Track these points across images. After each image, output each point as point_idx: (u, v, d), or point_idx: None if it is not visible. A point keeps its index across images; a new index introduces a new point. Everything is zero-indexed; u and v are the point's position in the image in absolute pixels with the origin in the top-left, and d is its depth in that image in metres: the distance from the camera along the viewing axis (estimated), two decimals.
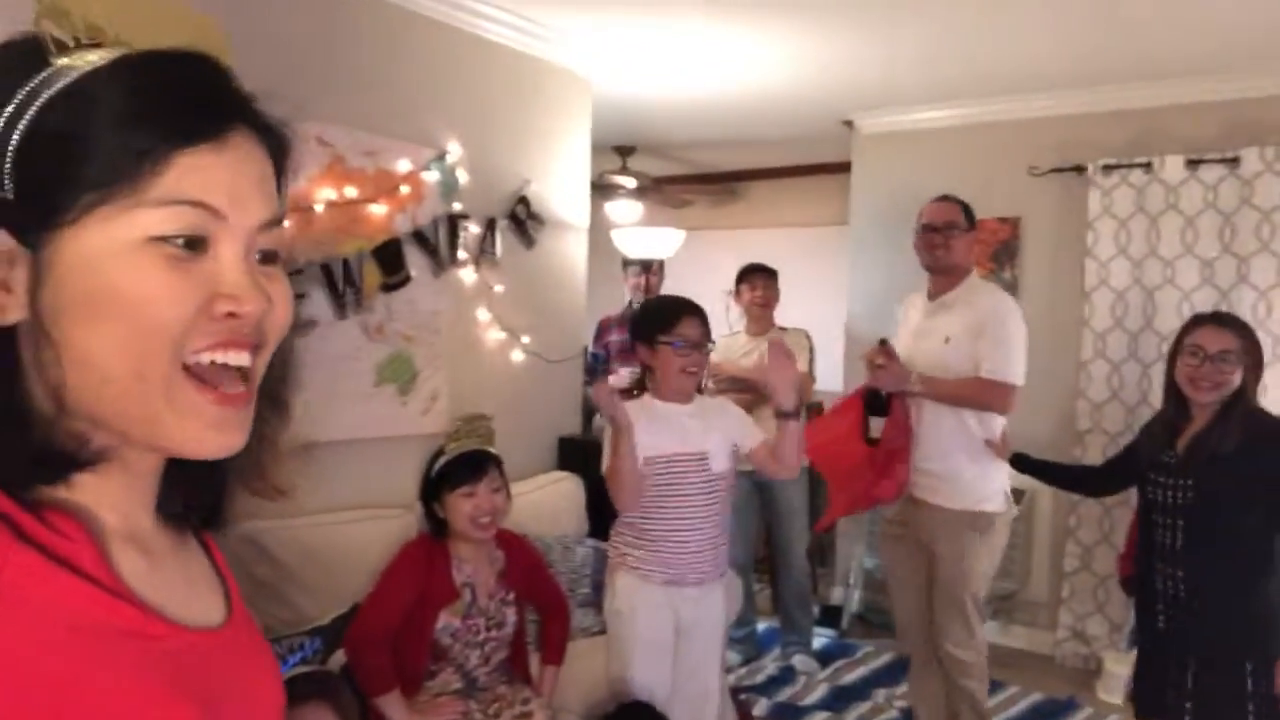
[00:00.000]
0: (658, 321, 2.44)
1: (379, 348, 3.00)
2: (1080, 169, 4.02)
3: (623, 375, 3.99)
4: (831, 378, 4.56)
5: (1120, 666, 3.54)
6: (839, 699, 3.67)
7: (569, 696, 2.58)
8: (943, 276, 2.92)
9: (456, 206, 3.19)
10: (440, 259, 3.15)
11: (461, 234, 3.21)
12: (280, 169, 0.63)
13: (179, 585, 0.62)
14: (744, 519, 3.91)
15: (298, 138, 0.65)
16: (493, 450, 2.42)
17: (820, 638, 4.16)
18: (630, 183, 5.45)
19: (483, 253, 3.30)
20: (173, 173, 0.54)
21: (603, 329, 4.45)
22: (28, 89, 0.54)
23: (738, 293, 3.97)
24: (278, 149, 0.63)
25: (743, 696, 3.48)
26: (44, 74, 0.55)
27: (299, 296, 2.84)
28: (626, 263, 4.73)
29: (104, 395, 0.55)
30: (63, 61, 0.55)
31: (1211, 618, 2.25)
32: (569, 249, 3.72)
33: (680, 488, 2.41)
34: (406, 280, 3.05)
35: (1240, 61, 3.57)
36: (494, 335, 3.37)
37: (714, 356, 3.94)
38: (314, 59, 2.80)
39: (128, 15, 0.58)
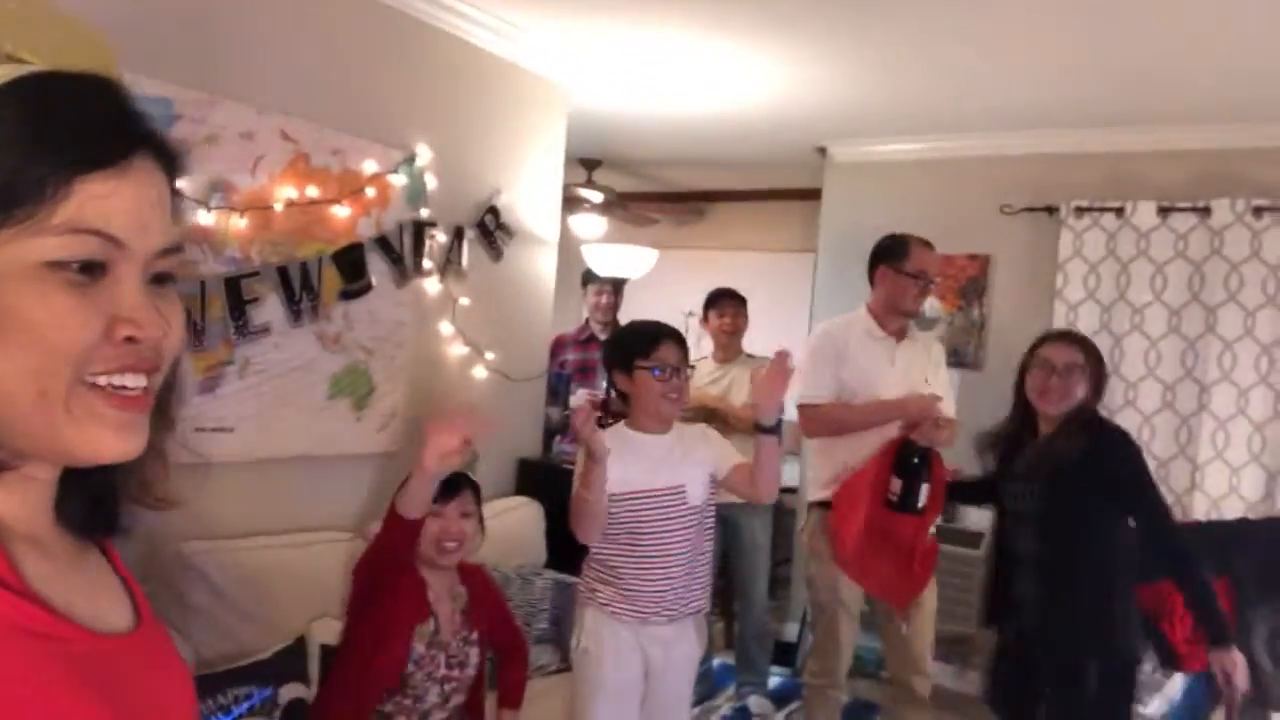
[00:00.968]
0: (635, 347, 2.32)
1: (334, 359, 2.82)
2: (1052, 209, 4.01)
3: (580, 396, 3.85)
4: (793, 408, 4.47)
5: None
6: None
7: None
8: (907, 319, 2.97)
9: (424, 213, 3.02)
10: (404, 267, 2.98)
11: (427, 242, 3.04)
12: (175, 191, 0.63)
13: (84, 591, 0.62)
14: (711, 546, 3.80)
15: (190, 159, 0.66)
16: (470, 475, 2.27)
17: (775, 676, 4.05)
18: (596, 197, 5.33)
19: (448, 263, 3.14)
20: (74, 200, 0.54)
21: (557, 347, 4.30)
22: None
23: (705, 318, 3.86)
24: (174, 170, 0.63)
25: None
26: None
27: (252, 300, 2.67)
28: (587, 280, 4.59)
29: (5, 414, 0.55)
30: None
31: (1063, 618, 2.33)
32: (537, 263, 3.58)
33: (653, 524, 2.29)
34: (368, 288, 2.88)
35: (1216, 112, 3.60)
36: (456, 350, 3.21)
37: None
38: (283, 49, 2.63)
39: (18, 31, 0.55)
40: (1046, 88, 3.52)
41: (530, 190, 3.51)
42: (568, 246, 4.87)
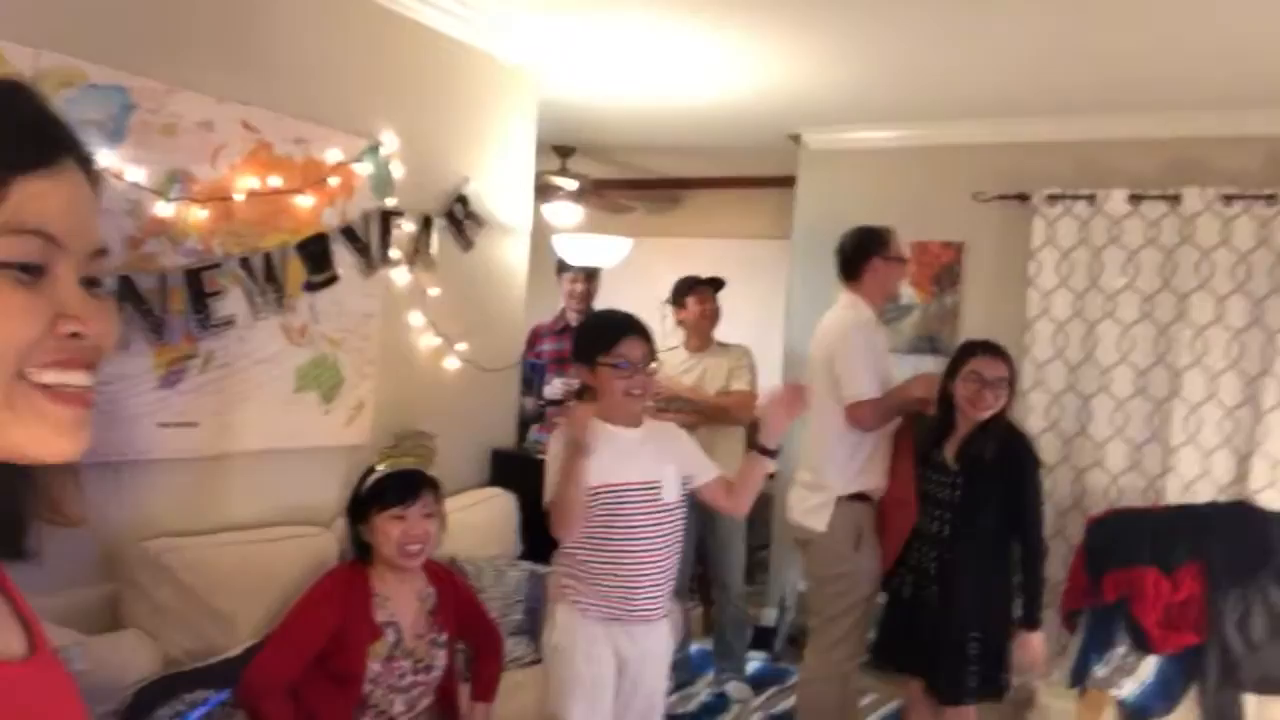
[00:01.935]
0: (597, 341, 2.28)
1: (301, 351, 2.77)
2: (1025, 197, 4.01)
3: (555, 386, 3.82)
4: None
5: (1056, 700, 3.51)
6: None
7: None
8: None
9: (390, 202, 2.97)
10: (371, 258, 2.93)
11: (394, 232, 2.99)
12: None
13: None
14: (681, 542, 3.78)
15: (100, 169, 0.64)
16: (430, 473, 2.23)
17: (753, 661, 4.05)
18: (570, 184, 5.28)
19: (417, 253, 3.09)
20: (12, 200, 0.55)
21: (535, 337, 4.26)
22: None
23: (683, 305, 3.82)
24: (93, 176, 0.62)
25: None
26: None
27: (214, 293, 2.62)
28: (561, 268, 4.55)
29: None
30: None
31: (955, 595, 2.68)
32: (509, 253, 3.54)
33: (627, 519, 2.26)
34: (334, 279, 2.83)
35: (1185, 101, 3.61)
36: (427, 341, 3.16)
37: None
38: (242, 37, 2.57)
39: None
40: (1019, 77, 3.52)
41: (500, 178, 3.47)
42: (543, 235, 4.84)
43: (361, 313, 2.92)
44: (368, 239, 2.92)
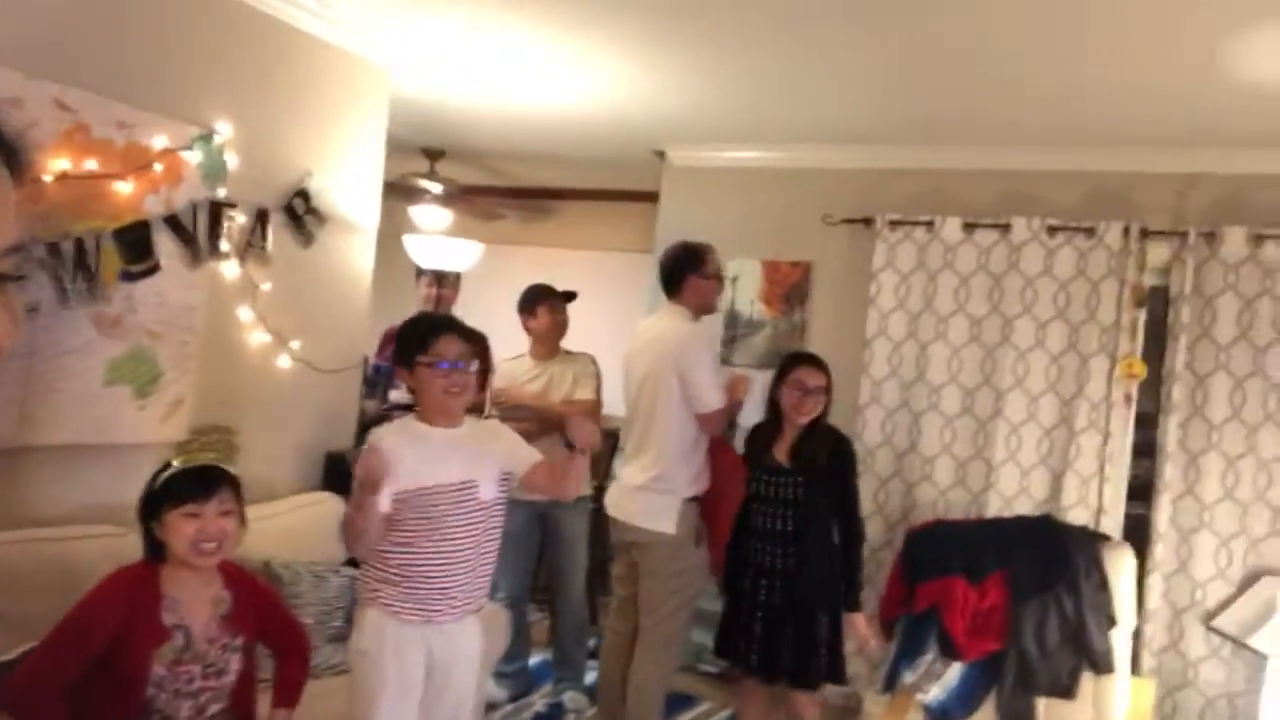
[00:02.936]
0: (414, 342, 2.29)
1: (113, 343, 2.65)
2: (869, 221, 4.18)
3: (403, 390, 3.76)
4: (619, 404, 4.50)
5: (876, 706, 3.64)
6: None
7: None
8: None
9: (221, 193, 2.89)
10: (198, 249, 2.84)
11: (225, 223, 2.91)
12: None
13: None
14: (522, 549, 3.77)
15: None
16: (229, 468, 2.16)
17: (592, 672, 4.05)
18: (435, 188, 5.23)
19: (249, 246, 3.01)
20: None
21: (388, 340, 4.19)
22: None
23: (533, 313, 3.82)
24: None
25: None
26: None
27: (19, 278, 2.48)
28: (420, 271, 4.50)
29: None
30: None
31: (804, 582, 2.95)
32: (353, 251, 3.47)
33: (440, 520, 2.25)
34: (155, 269, 2.72)
35: (1015, 136, 3.83)
36: (257, 338, 3.08)
37: (497, 381, 3.81)
38: (57, 14, 2.45)
39: None
40: (869, 107, 3.67)
41: (347, 174, 3.41)
42: (398, 236, 4.78)
43: (184, 305, 2.82)
44: (194, 229, 2.83)
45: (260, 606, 2.21)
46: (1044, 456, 3.85)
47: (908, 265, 4.06)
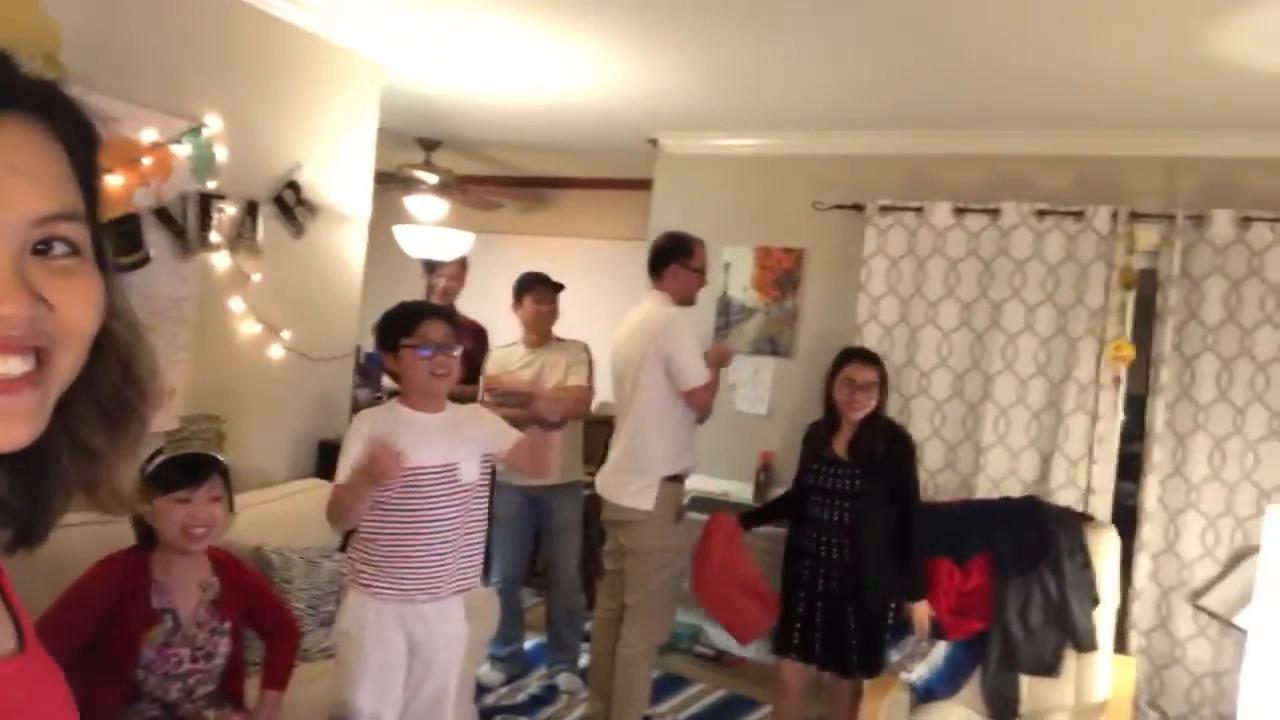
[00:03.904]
0: (398, 326, 2.34)
1: None
2: (860, 207, 4.19)
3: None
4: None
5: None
6: None
7: None
8: None
9: (211, 185, 2.93)
10: (188, 241, 2.89)
11: (215, 215, 2.95)
12: (85, 158, 0.58)
13: None
14: (516, 534, 3.82)
15: (103, 124, 0.60)
16: (218, 456, 2.21)
17: (585, 654, 4.10)
18: (431, 178, 5.26)
19: (240, 237, 3.05)
20: None
21: None
22: None
23: (520, 303, 3.86)
24: (78, 137, 0.58)
25: (498, 719, 3.38)
26: None
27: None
28: (429, 263, 4.54)
29: None
30: None
31: (867, 573, 2.94)
32: (344, 241, 3.51)
33: (422, 502, 2.30)
34: (145, 261, 2.77)
35: (1004, 120, 3.84)
36: (249, 328, 3.12)
37: (490, 368, 3.85)
38: (49, 6, 2.49)
39: None
40: (859, 93, 3.68)
41: (338, 166, 3.44)
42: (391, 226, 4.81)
43: (174, 296, 2.87)
44: (184, 221, 2.87)
45: (247, 591, 2.26)
46: (1033, 439, 3.87)
47: (898, 250, 4.08)
